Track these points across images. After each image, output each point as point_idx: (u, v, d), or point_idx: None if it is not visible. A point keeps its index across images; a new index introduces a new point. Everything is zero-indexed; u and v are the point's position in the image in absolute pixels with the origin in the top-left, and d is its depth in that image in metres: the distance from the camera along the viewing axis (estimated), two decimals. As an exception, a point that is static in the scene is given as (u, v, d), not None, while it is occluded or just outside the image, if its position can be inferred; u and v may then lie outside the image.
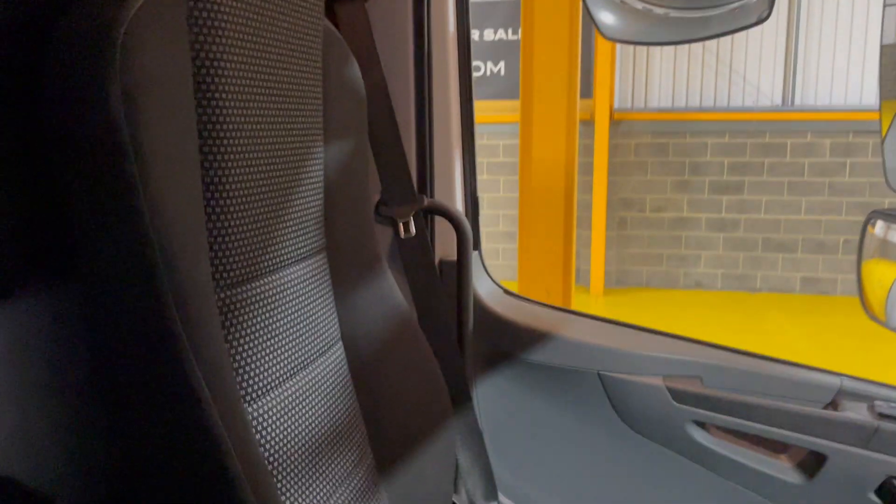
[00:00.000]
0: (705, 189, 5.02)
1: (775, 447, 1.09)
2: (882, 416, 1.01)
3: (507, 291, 1.24)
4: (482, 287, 1.22)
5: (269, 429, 0.70)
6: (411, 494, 0.94)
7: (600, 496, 1.18)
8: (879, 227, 1.06)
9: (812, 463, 1.05)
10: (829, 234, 4.92)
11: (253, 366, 0.69)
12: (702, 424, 1.10)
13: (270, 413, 0.71)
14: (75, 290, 0.60)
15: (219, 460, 0.58)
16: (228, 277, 0.66)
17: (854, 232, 4.83)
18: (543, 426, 1.18)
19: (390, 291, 0.94)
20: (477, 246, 1.22)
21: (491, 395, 1.20)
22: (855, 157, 4.82)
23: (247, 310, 0.68)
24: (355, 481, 0.84)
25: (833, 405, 1.05)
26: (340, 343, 0.87)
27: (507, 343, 1.18)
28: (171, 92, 0.58)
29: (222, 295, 0.65)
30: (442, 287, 1.11)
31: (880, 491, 1.01)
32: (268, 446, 0.70)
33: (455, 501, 1.07)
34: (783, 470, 1.07)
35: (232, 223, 0.66)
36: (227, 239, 0.66)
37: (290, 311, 0.76)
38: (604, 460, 1.16)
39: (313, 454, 0.76)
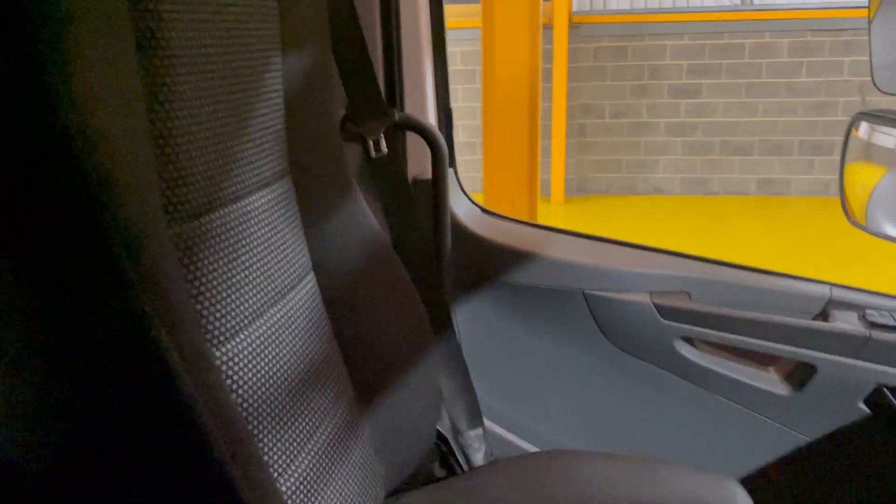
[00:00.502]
0: (664, 93, 4.97)
1: (764, 360, 1.07)
2: (874, 325, 0.99)
3: (484, 210, 1.18)
4: (458, 207, 1.15)
5: (240, 372, 0.64)
6: (395, 426, 0.90)
7: (587, 417, 1.17)
8: (863, 129, 1.03)
9: (801, 374, 1.04)
10: (785, 135, 4.94)
11: (218, 306, 0.63)
12: (689, 340, 1.08)
13: (241, 355, 0.65)
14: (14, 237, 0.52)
15: (185, 411, 0.52)
16: (183, 210, 0.59)
17: (809, 132, 4.88)
18: (527, 349, 1.15)
19: (362, 215, 0.87)
20: (452, 163, 1.14)
21: (471, 320, 1.16)
22: (812, 56, 4.79)
23: (207, 244, 0.62)
24: (336, 418, 0.80)
25: (823, 315, 1.04)
26: (312, 273, 0.81)
27: (487, 265, 1.13)
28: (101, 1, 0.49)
29: (178, 230, 0.58)
30: (417, 208, 1.04)
31: (869, 400, 1.01)
32: (240, 391, 0.64)
33: (439, 429, 1.04)
34: (772, 382, 1.06)
35: (182, 149, 0.58)
36: (178, 167, 0.58)
37: (255, 243, 0.69)
38: (590, 381, 1.13)
39: (290, 394, 0.71)
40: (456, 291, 1.14)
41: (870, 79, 0.93)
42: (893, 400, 0.98)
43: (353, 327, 0.85)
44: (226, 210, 0.65)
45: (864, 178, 1.05)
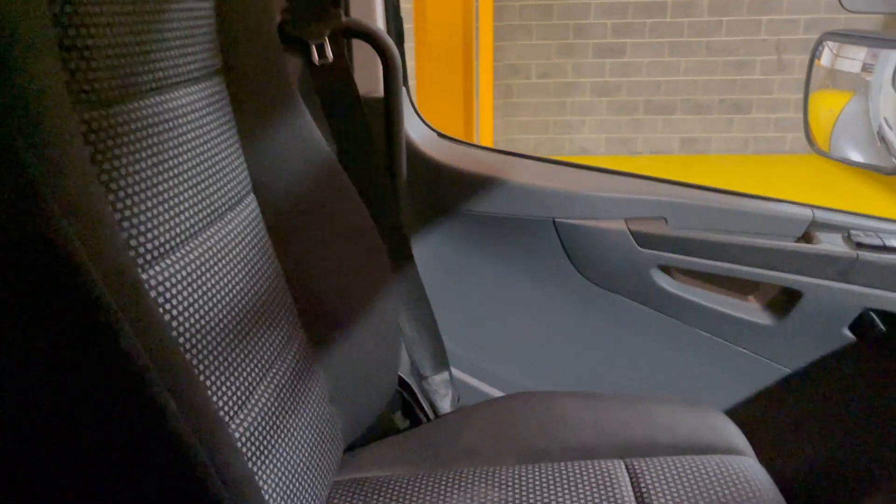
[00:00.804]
0: (589, 52, 4.95)
1: (745, 289, 1.01)
2: (860, 245, 0.94)
3: (441, 135, 1.06)
4: (413, 130, 1.03)
5: (173, 301, 0.54)
6: (352, 372, 0.79)
7: (559, 358, 1.08)
8: (826, 56, 1.02)
9: (784, 301, 0.98)
10: (706, 94, 5.02)
11: (143, 217, 0.53)
12: (667, 270, 1.00)
13: (174, 279, 0.55)
14: None
15: (109, 334, 0.43)
16: (92, 94, 0.49)
17: (729, 91, 4.96)
18: (492, 285, 1.05)
19: (308, 129, 0.75)
20: (405, 81, 1.02)
21: (430, 254, 1.05)
22: (731, 15, 4.86)
23: (124, 139, 0.51)
24: (287, 361, 0.69)
25: (806, 238, 0.98)
26: (252, 195, 0.70)
27: (446, 193, 1.02)
28: None
29: (85, 116, 0.48)
30: (369, 125, 0.91)
31: (855, 325, 0.96)
32: (175, 324, 0.54)
33: (401, 376, 0.93)
34: (753, 312, 1.00)
35: (87, 20, 0.48)
36: (82, 41, 0.48)
37: (183, 149, 0.59)
38: (562, 319, 1.05)
39: (234, 330, 0.61)
40: (412, 223, 1.03)
41: (786, 37, 0.92)
42: (880, 324, 0.93)
43: (301, 260, 0.74)
44: (146, 102, 0.54)
45: (828, 105, 1.02)
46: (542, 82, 4.99)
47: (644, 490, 0.75)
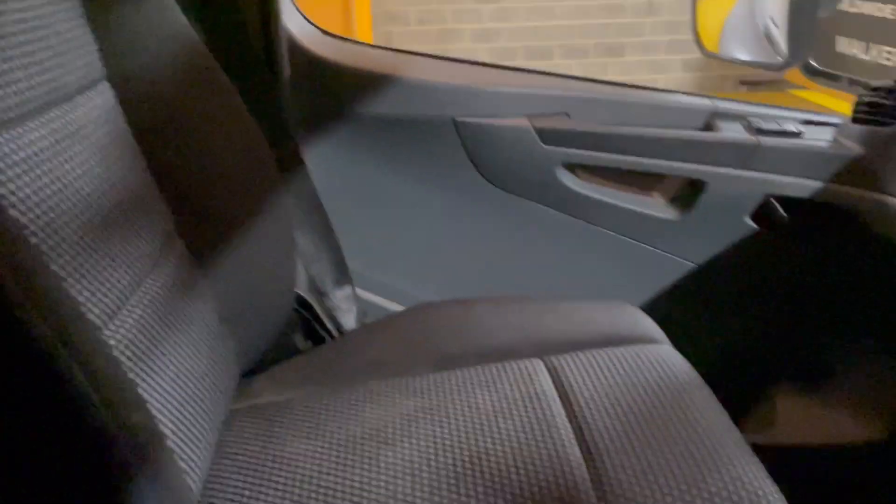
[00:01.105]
0: (467, -2, 4.90)
1: (650, 184, 1.00)
2: (761, 131, 0.94)
3: (325, 32, 0.97)
4: (291, 25, 0.93)
5: (16, 182, 0.45)
6: (243, 288, 0.71)
7: (465, 267, 1.03)
8: None
9: (688, 194, 0.98)
10: (582, 38, 5.09)
11: None
12: (572, 169, 0.97)
13: (13, 158, 0.45)
14: None
15: None
16: None
17: (604, 35, 5.06)
18: (390, 193, 0.98)
19: (171, 15, 0.65)
20: None
21: (321, 161, 0.96)
22: (606, -42, 4.93)
23: None
24: (166, 272, 0.61)
25: (708, 127, 0.97)
26: (107, 83, 0.60)
27: (336, 93, 0.93)
28: None
29: None
30: (242, 15, 0.81)
31: (756, 214, 0.96)
32: (22, 207, 0.45)
33: (300, 294, 0.85)
34: (658, 207, 0.99)
35: None
36: None
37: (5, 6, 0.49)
38: (465, 226, 1.00)
39: (95, 230, 0.52)
40: (299, 126, 0.94)
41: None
42: (782, 211, 0.94)
43: (171, 161, 0.65)
44: None
45: (716, 8, 1.02)
46: (422, 29, 4.89)
47: (565, 384, 0.72)
